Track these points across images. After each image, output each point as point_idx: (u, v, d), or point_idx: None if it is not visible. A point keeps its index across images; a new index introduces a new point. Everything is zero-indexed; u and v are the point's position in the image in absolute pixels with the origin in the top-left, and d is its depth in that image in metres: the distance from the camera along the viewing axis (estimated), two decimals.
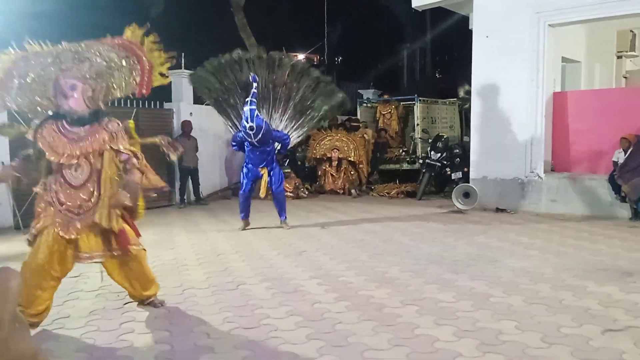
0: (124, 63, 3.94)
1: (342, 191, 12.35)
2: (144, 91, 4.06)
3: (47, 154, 3.71)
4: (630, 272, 5.11)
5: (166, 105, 11.43)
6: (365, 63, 24.04)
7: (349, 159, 12.42)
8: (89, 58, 3.80)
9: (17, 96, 3.85)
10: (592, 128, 9.18)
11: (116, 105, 10.04)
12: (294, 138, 8.41)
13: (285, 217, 7.99)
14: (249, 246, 6.67)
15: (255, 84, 7.26)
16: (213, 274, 5.29)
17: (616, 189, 8.23)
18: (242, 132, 7.39)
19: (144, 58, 3.99)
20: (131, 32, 4.03)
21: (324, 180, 12.63)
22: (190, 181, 11.03)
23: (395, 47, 25.05)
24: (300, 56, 22.62)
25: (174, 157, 4.28)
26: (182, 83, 11.46)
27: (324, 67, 22.60)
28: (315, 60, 24.17)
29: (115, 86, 3.99)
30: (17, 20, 11.88)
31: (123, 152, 3.89)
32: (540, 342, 3.42)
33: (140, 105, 10.48)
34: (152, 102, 10.98)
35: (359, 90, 18.31)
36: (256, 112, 7.25)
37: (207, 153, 11.73)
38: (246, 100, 7.21)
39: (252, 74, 7.51)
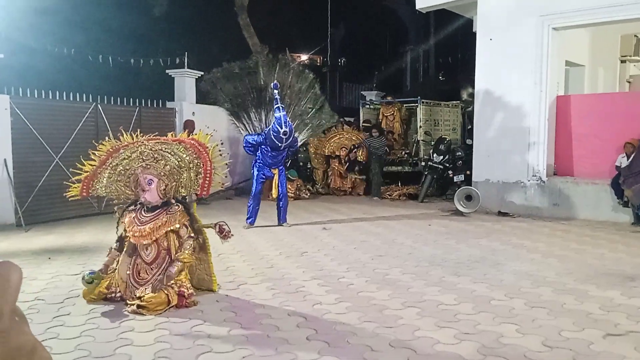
0: (191, 165, 4.51)
1: (350, 190, 12.40)
2: (204, 193, 4.63)
3: (126, 235, 4.43)
4: (632, 276, 5.10)
5: (169, 104, 11.41)
6: (369, 64, 24.00)
7: (357, 159, 12.44)
8: (165, 157, 4.43)
9: (107, 183, 4.53)
10: (595, 132, 9.14)
11: (118, 104, 10.05)
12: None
13: (286, 220, 8.18)
14: (250, 246, 6.66)
15: (276, 91, 7.44)
16: None
17: (619, 193, 8.20)
18: (273, 137, 7.45)
19: (208, 162, 4.55)
20: (202, 136, 4.70)
21: (332, 179, 12.66)
22: None
23: (398, 48, 25.00)
24: (304, 57, 22.62)
25: (223, 242, 4.74)
26: (185, 82, 11.46)
27: (327, 68, 22.59)
28: (318, 61, 24.14)
29: (182, 185, 4.52)
30: (21, 16, 11.91)
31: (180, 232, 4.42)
32: (541, 345, 3.41)
33: (143, 104, 10.47)
34: (155, 101, 10.96)
35: (362, 92, 18.28)
36: (287, 117, 7.48)
37: None
38: (276, 106, 7.39)
39: (275, 81, 7.69)
